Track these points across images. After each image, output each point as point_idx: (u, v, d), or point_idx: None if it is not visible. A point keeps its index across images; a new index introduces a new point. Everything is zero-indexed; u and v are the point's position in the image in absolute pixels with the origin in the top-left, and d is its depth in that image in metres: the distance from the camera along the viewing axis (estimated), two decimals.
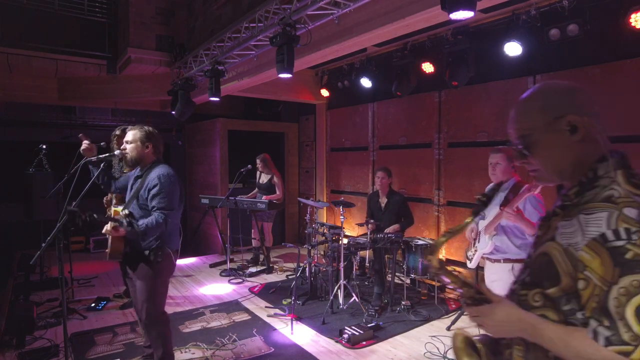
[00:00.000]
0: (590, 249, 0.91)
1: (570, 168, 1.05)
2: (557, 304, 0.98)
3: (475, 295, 1.13)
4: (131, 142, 2.84)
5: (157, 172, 2.77)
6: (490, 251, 2.91)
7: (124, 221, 2.57)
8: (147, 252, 2.74)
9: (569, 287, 0.95)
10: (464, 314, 4.21)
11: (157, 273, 2.79)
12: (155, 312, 2.86)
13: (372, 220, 4.87)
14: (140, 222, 2.63)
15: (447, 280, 1.20)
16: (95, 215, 2.48)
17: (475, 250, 3.03)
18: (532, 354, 1.03)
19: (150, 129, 2.92)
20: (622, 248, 0.87)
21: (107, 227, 2.58)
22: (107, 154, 2.90)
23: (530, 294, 1.04)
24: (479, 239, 3.01)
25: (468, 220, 1.20)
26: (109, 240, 2.70)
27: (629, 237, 0.87)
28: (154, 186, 2.72)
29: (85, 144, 2.93)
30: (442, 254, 5.32)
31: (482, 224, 3.01)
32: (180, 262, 6.71)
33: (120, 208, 2.84)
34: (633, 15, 3.43)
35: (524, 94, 1.11)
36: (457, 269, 4.85)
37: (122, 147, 2.88)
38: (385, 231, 4.66)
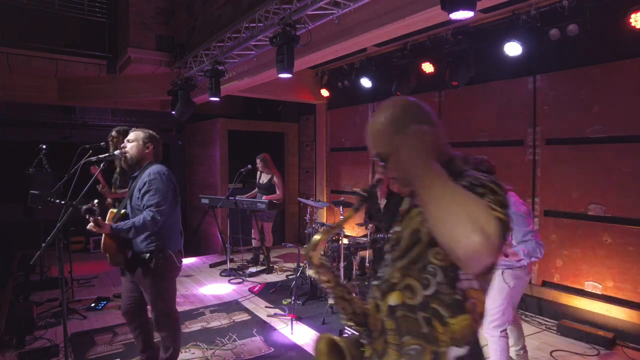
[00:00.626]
0: None
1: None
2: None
3: (346, 296, 1.27)
4: (132, 141, 2.83)
5: (150, 171, 2.77)
6: None
7: (96, 210, 2.52)
8: (146, 256, 2.71)
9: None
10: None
11: (160, 276, 2.77)
12: (166, 311, 2.86)
13: (370, 224, 4.86)
14: (130, 220, 2.62)
15: (323, 278, 1.27)
16: (80, 206, 2.49)
17: None
18: (404, 327, 1.10)
19: (153, 132, 2.93)
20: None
21: (90, 224, 2.54)
22: (106, 154, 2.89)
23: (397, 265, 1.15)
24: None
25: (348, 214, 1.30)
26: (101, 240, 2.69)
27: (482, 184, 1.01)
28: (144, 184, 2.72)
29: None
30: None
31: None
32: None
33: (115, 210, 2.84)
34: (633, 15, 3.42)
35: (374, 114, 1.22)
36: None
37: (122, 145, 2.87)
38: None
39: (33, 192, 2.60)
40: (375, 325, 1.19)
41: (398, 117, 1.16)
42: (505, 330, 2.81)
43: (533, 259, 2.72)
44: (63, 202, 2.61)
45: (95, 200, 2.57)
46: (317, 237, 1.25)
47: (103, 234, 2.66)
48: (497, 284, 2.78)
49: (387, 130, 1.16)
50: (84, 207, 2.52)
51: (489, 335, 2.81)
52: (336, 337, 1.24)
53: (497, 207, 0.96)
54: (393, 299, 1.13)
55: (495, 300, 2.77)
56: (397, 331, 1.12)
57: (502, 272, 2.78)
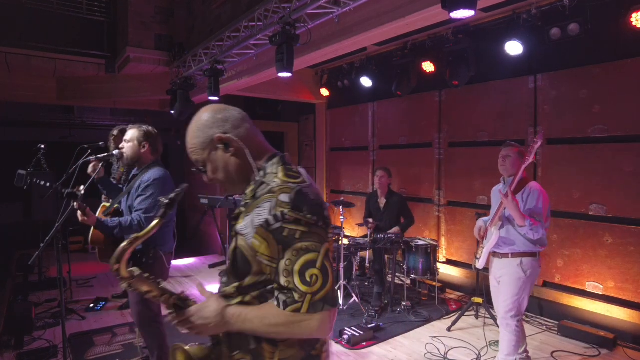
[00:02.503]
0: (259, 235, 1.10)
1: (239, 176, 1.23)
2: (255, 288, 1.14)
3: (177, 302, 1.19)
4: (129, 141, 2.82)
5: (149, 175, 2.74)
6: (495, 243, 2.88)
7: (79, 194, 2.46)
8: (137, 255, 2.69)
9: (259, 271, 1.12)
10: (464, 314, 4.20)
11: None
12: (148, 316, 2.80)
13: (371, 220, 4.86)
14: (118, 218, 2.61)
15: (144, 289, 1.19)
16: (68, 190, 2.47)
17: (482, 248, 3.01)
18: (235, 341, 1.16)
19: (150, 128, 2.89)
20: (280, 228, 1.07)
21: (79, 213, 2.48)
22: (105, 154, 2.88)
23: (229, 288, 1.18)
24: (486, 235, 3.00)
25: (155, 222, 1.23)
26: (90, 232, 2.68)
27: (283, 219, 1.07)
28: (140, 187, 2.71)
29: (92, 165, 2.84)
30: (443, 254, 5.31)
31: (489, 219, 3.01)
32: (179, 262, 6.69)
33: (108, 204, 2.83)
34: (634, 15, 3.42)
35: (190, 123, 1.25)
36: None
37: (120, 145, 2.86)
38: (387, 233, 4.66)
39: (20, 172, 2.60)
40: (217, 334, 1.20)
41: (204, 126, 1.22)
42: (521, 321, 2.84)
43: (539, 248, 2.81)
44: (48, 184, 2.58)
45: (82, 187, 2.51)
46: (122, 245, 1.18)
47: (92, 228, 2.65)
48: (514, 273, 2.80)
49: (198, 138, 1.22)
50: (67, 190, 2.48)
51: (506, 324, 2.84)
52: (189, 348, 1.20)
53: (313, 248, 1.07)
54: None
55: (513, 289, 2.80)
56: (228, 344, 1.18)
57: (521, 262, 2.80)
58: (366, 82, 5.86)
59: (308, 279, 1.05)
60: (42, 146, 4.87)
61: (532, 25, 4.05)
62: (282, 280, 1.07)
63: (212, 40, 4.85)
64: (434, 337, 3.87)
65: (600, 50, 3.83)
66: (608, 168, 3.79)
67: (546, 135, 4.25)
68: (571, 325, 3.86)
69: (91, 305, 4.61)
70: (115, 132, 4.14)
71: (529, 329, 3.96)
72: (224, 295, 1.19)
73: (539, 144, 2.83)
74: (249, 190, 1.21)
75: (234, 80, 5.48)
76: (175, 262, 5.99)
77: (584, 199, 3.98)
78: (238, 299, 1.16)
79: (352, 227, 6.34)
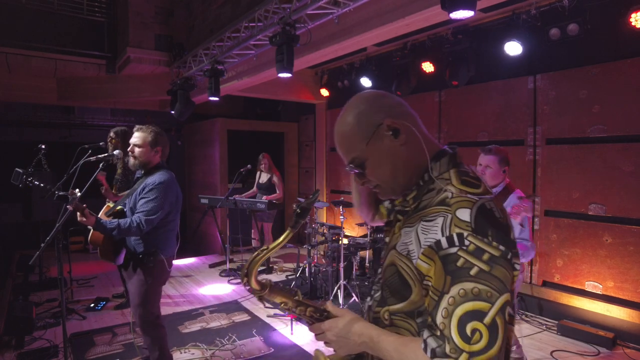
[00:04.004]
0: (426, 257, 0.88)
1: (406, 174, 1.00)
2: (410, 316, 0.95)
3: (314, 314, 1.07)
4: (141, 146, 2.75)
5: (154, 179, 2.72)
6: None
7: (73, 198, 2.41)
8: (139, 256, 2.71)
9: (419, 299, 0.91)
10: None
11: (148, 277, 2.74)
12: (149, 317, 2.81)
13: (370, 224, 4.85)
14: (117, 220, 2.61)
15: (278, 301, 1.07)
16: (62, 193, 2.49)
17: None
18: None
19: (157, 130, 2.84)
20: (454, 255, 0.83)
21: (78, 213, 2.46)
22: (105, 154, 2.88)
23: (382, 311, 1.01)
24: None
25: (286, 233, 1.04)
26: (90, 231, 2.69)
27: (461, 244, 0.83)
28: (144, 189, 2.70)
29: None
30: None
31: None
32: (179, 262, 6.70)
33: (112, 204, 2.83)
34: (633, 15, 3.42)
35: (339, 116, 1.05)
36: None
37: (129, 148, 2.80)
38: None
39: (18, 170, 2.64)
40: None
41: (366, 114, 1.01)
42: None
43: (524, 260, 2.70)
44: (42, 184, 2.61)
45: (77, 190, 2.47)
46: (252, 258, 1.05)
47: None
48: None
49: (355, 135, 1.01)
50: (60, 193, 2.46)
51: None
52: (329, 357, 1.10)
53: (491, 292, 0.80)
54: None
55: None
56: None
57: None
58: (366, 82, 5.86)
59: (468, 333, 0.79)
60: (43, 146, 4.88)
61: (532, 25, 4.06)
62: (439, 320, 0.82)
63: (212, 41, 4.86)
64: None
65: (600, 51, 3.83)
66: (607, 168, 3.80)
67: (546, 135, 4.26)
68: (571, 324, 3.87)
69: (92, 305, 4.62)
70: (112, 135, 4.15)
71: (528, 328, 3.97)
72: (373, 314, 1.04)
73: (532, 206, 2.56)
74: (410, 196, 1.00)
75: (234, 81, 5.48)
76: (175, 262, 5.99)
77: (583, 199, 3.98)
78: (386, 323, 1.00)
79: (352, 227, 6.35)
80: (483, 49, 4.56)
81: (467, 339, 0.79)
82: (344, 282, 4.50)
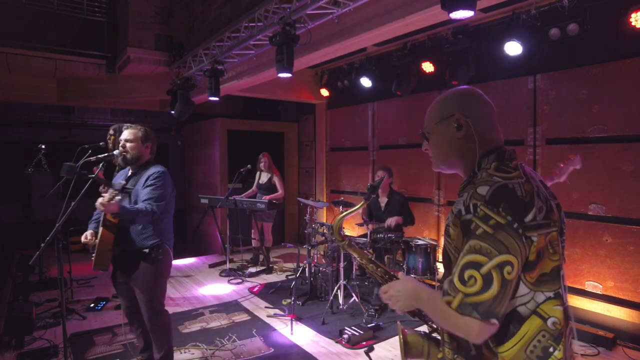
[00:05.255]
0: (453, 224, 1.10)
1: (457, 160, 1.24)
2: None
3: (384, 275, 1.38)
4: (132, 141, 2.87)
5: (153, 170, 2.83)
6: None
7: (119, 186, 2.57)
8: (147, 250, 2.76)
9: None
10: None
11: (158, 270, 2.82)
12: (160, 310, 2.89)
13: (370, 224, 4.84)
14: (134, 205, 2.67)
15: (355, 254, 1.42)
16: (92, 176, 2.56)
17: None
18: (456, 345, 1.17)
19: (147, 128, 2.98)
20: (469, 221, 1.04)
21: (101, 199, 2.47)
22: (106, 154, 2.89)
23: (445, 282, 1.16)
24: None
25: (361, 203, 1.47)
26: (97, 241, 2.68)
27: (474, 211, 1.03)
28: (148, 179, 2.77)
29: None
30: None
31: None
32: (179, 262, 6.70)
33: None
34: (633, 15, 3.42)
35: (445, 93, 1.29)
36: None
37: (121, 144, 2.88)
38: (387, 222, 4.68)
39: (69, 163, 2.66)
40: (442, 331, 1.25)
41: (444, 104, 1.25)
42: None
43: None
44: (102, 178, 2.72)
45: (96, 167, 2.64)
46: (339, 217, 1.46)
47: (101, 229, 2.67)
48: None
49: (434, 113, 1.27)
50: (120, 182, 2.71)
51: None
52: (408, 333, 1.31)
53: (491, 252, 1.00)
54: None
55: None
56: (451, 346, 1.18)
57: None
58: (366, 82, 5.87)
59: (465, 278, 1.01)
60: (43, 146, 4.89)
61: (532, 25, 4.06)
62: (453, 270, 1.06)
63: (212, 41, 4.86)
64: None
65: (600, 51, 3.83)
66: (607, 168, 3.80)
67: (546, 135, 4.26)
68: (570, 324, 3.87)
69: (92, 305, 4.62)
70: (111, 132, 4.16)
71: None
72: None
73: (576, 166, 2.37)
74: (462, 185, 1.22)
75: (234, 81, 5.48)
76: (175, 262, 5.99)
77: (583, 199, 3.98)
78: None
79: (352, 227, 6.35)
80: (483, 49, 4.56)
81: (464, 283, 1.01)
82: (344, 282, 4.50)
